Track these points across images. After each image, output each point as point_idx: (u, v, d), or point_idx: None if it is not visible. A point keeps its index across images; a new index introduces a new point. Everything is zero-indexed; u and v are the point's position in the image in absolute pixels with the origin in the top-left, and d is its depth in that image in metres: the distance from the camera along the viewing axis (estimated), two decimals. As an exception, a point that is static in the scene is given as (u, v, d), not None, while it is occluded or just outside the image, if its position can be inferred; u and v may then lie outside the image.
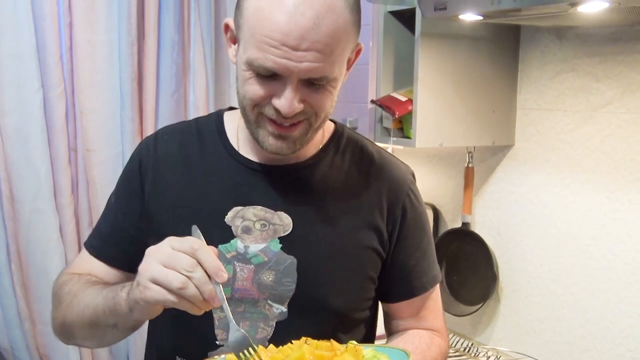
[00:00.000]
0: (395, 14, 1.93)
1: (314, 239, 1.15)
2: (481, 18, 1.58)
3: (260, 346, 1.00)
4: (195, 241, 0.94)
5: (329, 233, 1.16)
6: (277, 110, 1.03)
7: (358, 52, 1.14)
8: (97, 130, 2.16)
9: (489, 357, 1.94)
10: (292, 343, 1.01)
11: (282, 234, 1.14)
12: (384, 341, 1.32)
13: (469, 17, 1.56)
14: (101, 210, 2.13)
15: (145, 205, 1.20)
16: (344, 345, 1.01)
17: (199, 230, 0.99)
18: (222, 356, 1.01)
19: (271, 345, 1.02)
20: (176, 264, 0.91)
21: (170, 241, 0.95)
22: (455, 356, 1.99)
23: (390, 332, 1.32)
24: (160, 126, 2.23)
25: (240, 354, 0.99)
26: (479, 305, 1.99)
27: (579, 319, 1.78)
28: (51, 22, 2.04)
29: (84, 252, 1.27)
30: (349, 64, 1.13)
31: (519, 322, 1.96)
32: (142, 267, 0.95)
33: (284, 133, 1.07)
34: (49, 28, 2.04)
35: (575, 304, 1.79)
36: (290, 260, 1.13)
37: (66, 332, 1.18)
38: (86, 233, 2.18)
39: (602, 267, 1.72)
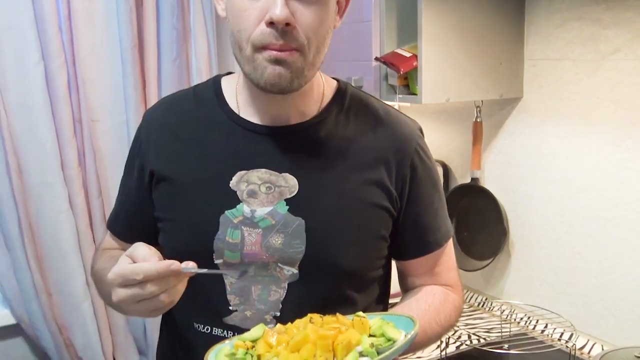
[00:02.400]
0: (396, -32, 1.89)
1: (321, 199, 1.14)
2: (485, -32, 1.54)
3: (265, 329, 1.00)
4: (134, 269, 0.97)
5: (336, 192, 1.15)
6: (270, 25, 1.02)
7: None
8: (101, 100, 2.14)
9: (504, 310, 1.95)
10: (299, 319, 1.00)
11: (289, 196, 1.13)
12: (398, 299, 1.32)
13: (472, -33, 1.53)
14: (109, 179, 2.16)
15: (151, 177, 1.20)
16: (351, 316, 1.00)
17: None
18: (228, 342, 1.01)
19: (279, 324, 1.01)
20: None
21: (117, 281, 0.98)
22: (470, 311, 2.00)
23: (405, 289, 1.32)
24: (163, 93, 2.22)
25: (247, 339, 0.99)
26: (489, 260, 1.99)
27: (592, 270, 1.78)
28: (48, -8, 2.01)
29: (106, 234, 1.35)
30: (340, 8, 1.14)
31: (532, 275, 1.96)
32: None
33: (280, 57, 1.04)
34: (46, -2, 2.01)
35: (587, 255, 1.79)
36: (298, 222, 1.12)
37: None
38: (96, 203, 2.19)
39: (614, 216, 1.71)
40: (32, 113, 2.04)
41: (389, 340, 0.95)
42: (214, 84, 1.24)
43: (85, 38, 2.10)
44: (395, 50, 1.88)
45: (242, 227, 1.12)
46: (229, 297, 1.14)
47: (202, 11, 2.26)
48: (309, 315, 1.01)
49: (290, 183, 1.13)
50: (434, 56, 1.77)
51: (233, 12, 1.07)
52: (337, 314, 1.01)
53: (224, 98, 1.20)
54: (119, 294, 0.97)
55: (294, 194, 1.13)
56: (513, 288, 2.02)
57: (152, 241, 1.20)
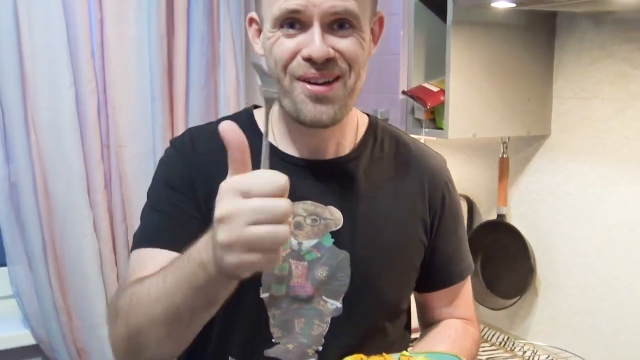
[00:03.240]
0: (426, 2, 1.89)
1: (365, 233, 1.15)
2: (514, 5, 1.54)
3: None
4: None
5: (379, 226, 1.16)
6: (308, 60, 1.03)
7: (381, 23, 1.15)
8: (129, 126, 2.17)
9: (525, 351, 1.91)
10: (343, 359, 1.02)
11: (334, 229, 1.13)
12: (417, 334, 1.32)
13: (502, 4, 1.53)
14: (134, 205, 2.17)
15: (200, 205, 1.12)
16: (397, 355, 1.02)
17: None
18: None
19: None
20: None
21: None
22: (491, 350, 1.96)
23: (424, 323, 1.34)
24: (191, 121, 2.24)
25: None
26: (515, 299, 1.95)
27: (617, 312, 1.74)
28: (82, 18, 2.05)
29: (135, 258, 1.13)
30: (375, 36, 1.14)
31: (555, 315, 1.92)
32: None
33: (321, 94, 1.05)
34: (80, 24, 2.05)
35: (613, 297, 1.75)
36: (343, 255, 1.13)
37: (135, 343, 0.98)
38: (120, 228, 2.20)
39: (642, 259, 1.68)
40: (62, 135, 2.07)
41: None
42: (247, 116, 1.22)
43: (117, 64, 2.14)
44: (423, 84, 1.88)
45: (290, 260, 1.12)
46: (272, 329, 1.13)
47: (232, 39, 2.28)
48: (357, 355, 1.02)
49: (335, 216, 1.14)
50: (461, 91, 1.76)
51: (268, 47, 1.07)
52: (384, 353, 1.03)
53: (259, 130, 1.18)
54: (238, 204, 0.75)
55: (339, 227, 1.14)
56: (537, 328, 1.98)
57: None
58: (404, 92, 1.91)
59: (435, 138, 1.87)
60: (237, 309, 1.07)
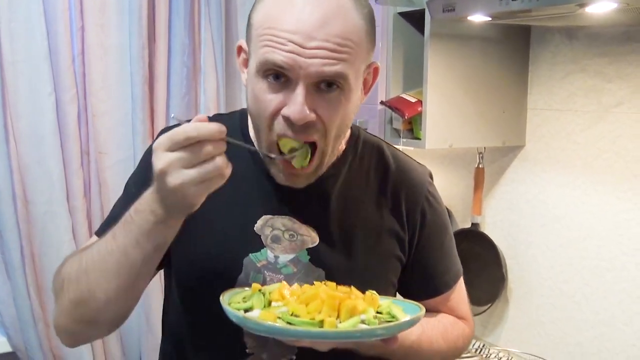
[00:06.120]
0: (404, 15, 1.93)
1: (340, 251, 1.16)
2: (490, 19, 1.58)
3: (283, 282, 1.04)
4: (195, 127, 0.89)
5: (353, 245, 1.17)
6: (287, 120, 1.01)
7: (375, 73, 1.13)
8: (109, 133, 2.18)
9: (500, 358, 1.94)
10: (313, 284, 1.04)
11: (310, 246, 1.14)
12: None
13: (478, 18, 1.56)
14: (113, 212, 2.16)
15: None
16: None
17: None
18: (247, 289, 1.05)
19: (296, 284, 1.04)
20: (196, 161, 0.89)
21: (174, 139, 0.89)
22: (467, 357, 1.98)
23: None
24: (171, 129, 2.24)
25: (263, 288, 1.02)
26: (487, 306, 1.98)
27: (590, 320, 1.78)
28: (63, 26, 2.06)
29: (93, 240, 1.18)
30: (366, 85, 1.12)
31: (530, 323, 1.95)
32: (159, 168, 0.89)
33: (295, 172, 1.07)
34: (61, 32, 2.06)
35: (587, 305, 1.79)
36: (319, 273, 1.13)
37: (83, 308, 1.04)
38: (99, 235, 2.20)
39: (614, 267, 1.72)
40: (42, 143, 2.07)
41: (393, 317, 0.99)
42: (241, 120, 1.20)
43: (97, 72, 2.14)
44: (401, 95, 1.91)
45: (265, 271, 1.12)
46: (245, 340, 1.13)
47: (213, 50, 2.30)
48: (325, 281, 1.05)
49: (311, 234, 1.15)
50: (438, 102, 1.79)
51: (253, 95, 1.04)
52: (352, 286, 1.03)
53: (251, 139, 1.17)
54: (168, 157, 0.87)
55: (315, 245, 1.14)
56: (511, 335, 2.01)
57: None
58: (382, 103, 1.94)
59: (412, 148, 1.90)
60: (210, 318, 1.06)
